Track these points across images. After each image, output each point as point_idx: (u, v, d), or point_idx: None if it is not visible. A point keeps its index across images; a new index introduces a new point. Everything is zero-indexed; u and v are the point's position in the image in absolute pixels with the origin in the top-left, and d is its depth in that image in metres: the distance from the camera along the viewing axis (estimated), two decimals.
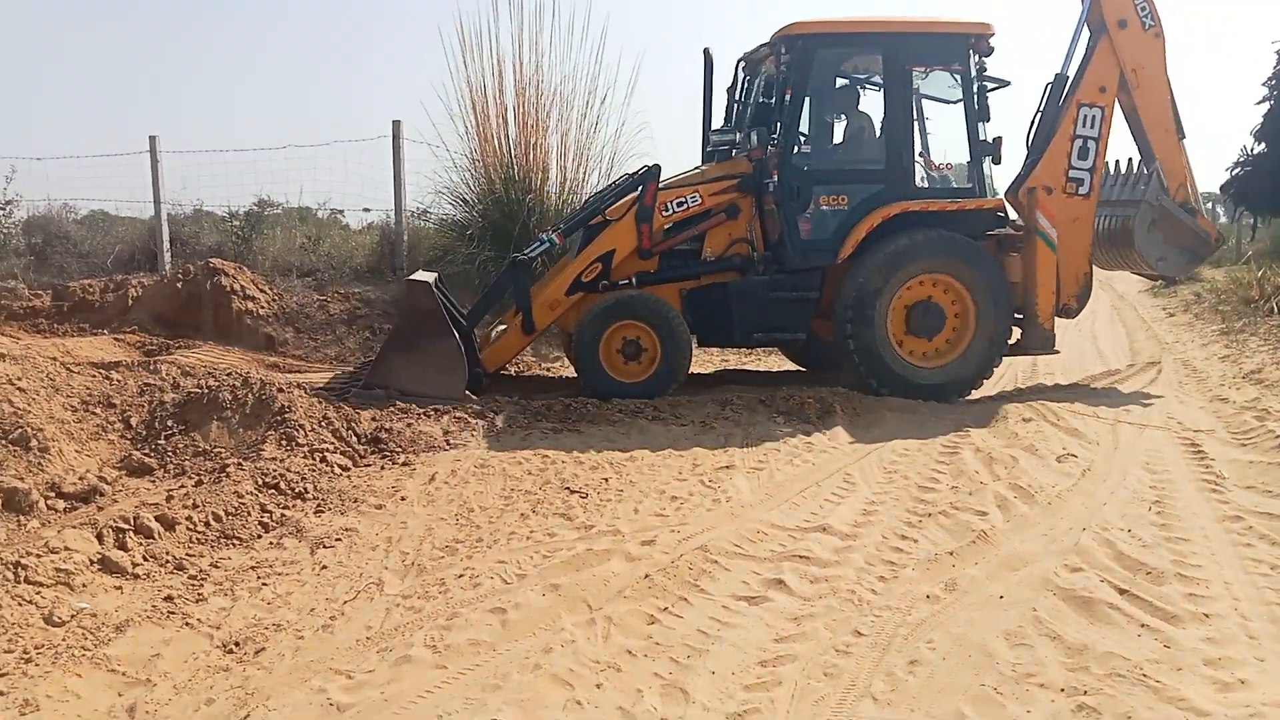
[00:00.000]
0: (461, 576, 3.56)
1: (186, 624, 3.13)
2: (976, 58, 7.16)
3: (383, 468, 5.03)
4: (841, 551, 3.85)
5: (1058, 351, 7.74)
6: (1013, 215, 7.50)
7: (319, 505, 4.35)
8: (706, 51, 7.91)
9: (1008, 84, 7.58)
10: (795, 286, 7.05)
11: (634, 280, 7.08)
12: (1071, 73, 7.40)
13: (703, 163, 7.86)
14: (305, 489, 4.47)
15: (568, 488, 4.67)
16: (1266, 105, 18.61)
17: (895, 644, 3.03)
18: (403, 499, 4.51)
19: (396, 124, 10.23)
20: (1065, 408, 6.55)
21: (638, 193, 7.11)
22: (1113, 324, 12.34)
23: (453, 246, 9.95)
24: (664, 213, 7.08)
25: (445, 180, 10.31)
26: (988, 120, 7.26)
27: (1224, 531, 4.04)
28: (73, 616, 3.08)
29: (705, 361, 9.18)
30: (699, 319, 7.07)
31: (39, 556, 3.34)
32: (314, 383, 6.50)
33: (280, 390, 5.45)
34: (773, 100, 7.19)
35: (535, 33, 9.93)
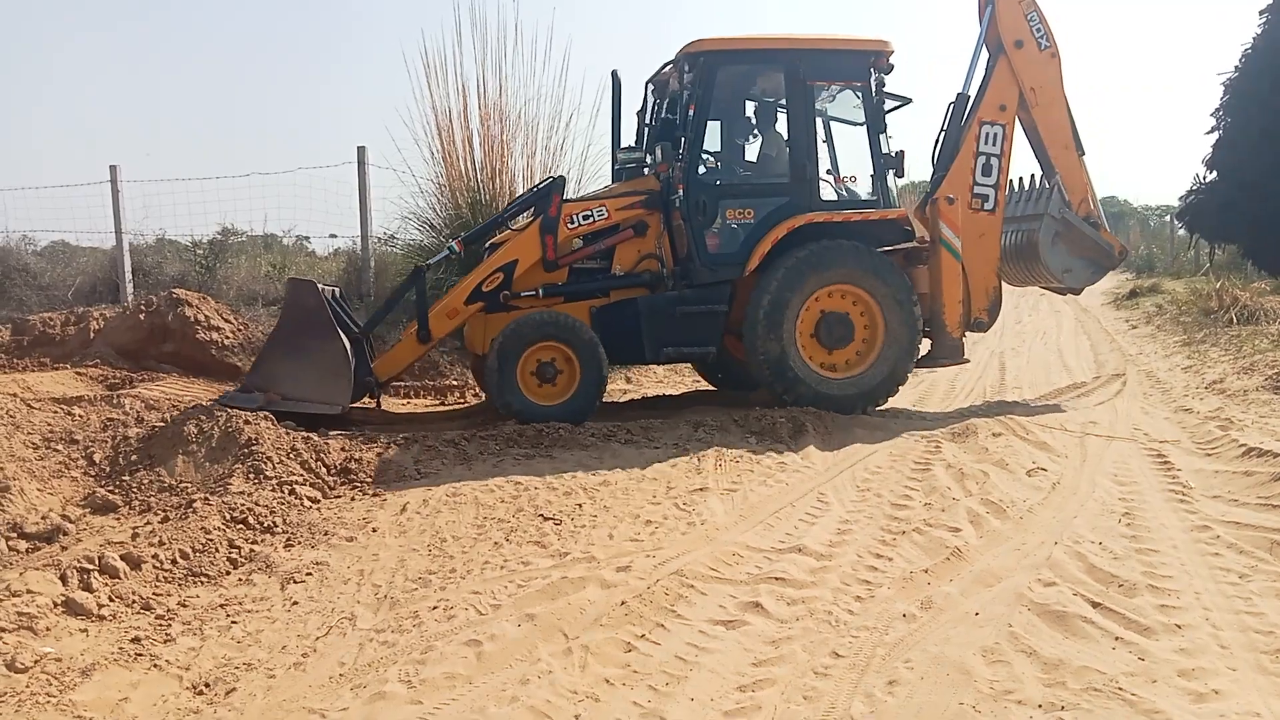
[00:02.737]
0: (435, 608, 3.52)
1: (155, 665, 3.06)
2: (876, 74, 7.31)
3: (353, 499, 4.98)
4: (817, 572, 3.85)
5: (967, 360, 7.92)
6: (923, 232, 7.64)
7: (289, 539, 4.29)
8: (615, 73, 8.02)
9: (909, 101, 7.76)
10: (704, 300, 7.06)
11: (540, 292, 7.03)
12: (973, 92, 7.65)
13: (613, 182, 7.89)
14: (274, 523, 4.40)
15: (541, 515, 4.64)
16: (1216, 135, 18.99)
17: (873, 665, 3.03)
18: (374, 530, 4.45)
19: (361, 149, 10.21)
20: (1034, 421, 6.62)
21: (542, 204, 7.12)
22: (1077, 337, 12.52)
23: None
24: (569, 225, 7.05)
25: (411, 205, 10.30)
26: (885, 133, 7.39)
27: (1193, 542, 4.09)
28: (36, 662, 3.00)
29: (677, 382, 9.20)
30: (609, 336, 7.01)
31: (0, 601, 3.26)
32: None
33: (246, 422, 5.38)
34: (676, 116, 7.25)
35: (499, 57, 9.99)
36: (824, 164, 7.53)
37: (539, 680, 2.93)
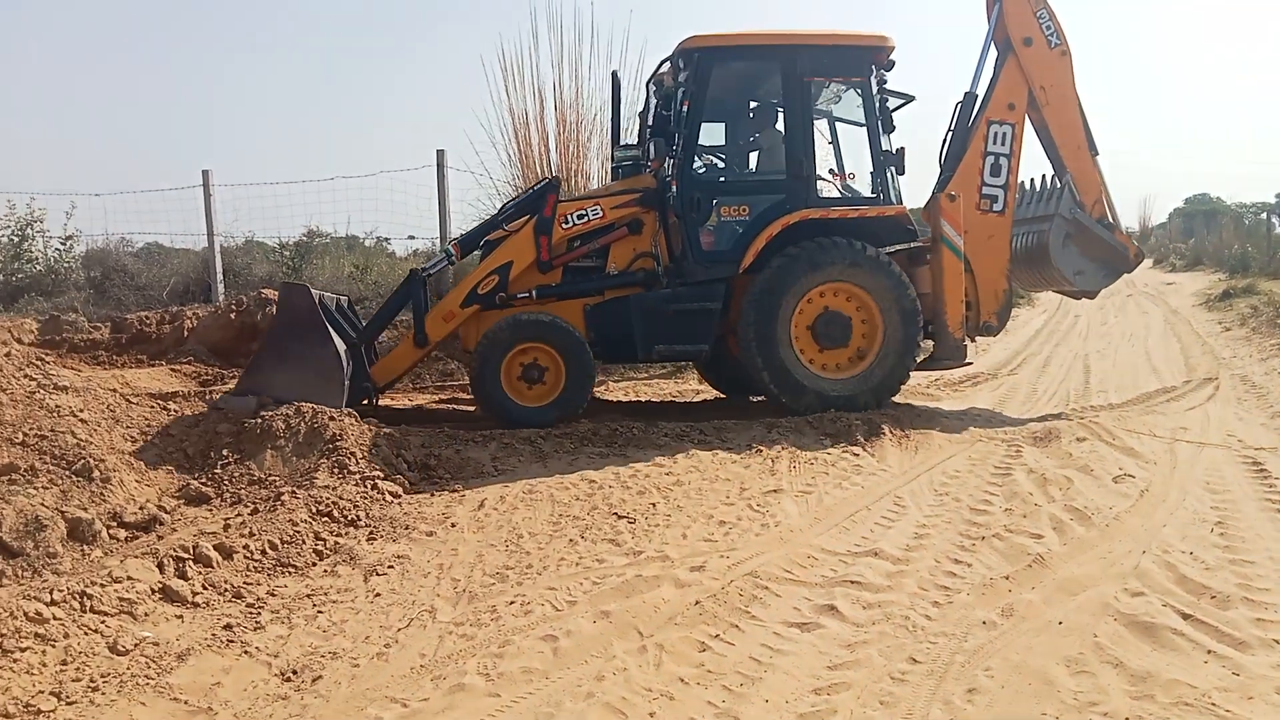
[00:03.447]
0: (513, 603, 3.58)
1: (245, 652, 3.17)
2: (876, 71, 7.14)
3: (433, 494, 5.09)
4: (894, 576, 3.80)
5: (970, 363, 7.70)
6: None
7: (371, 533, 4.41)
8: (615, 74, 8.01)
9: (912, 99, 7.57)
10: (697, 298, 6.95)
11: (534, 294, 6.97)
12: (981, 91, 7.46)
13: (612, 180, 7.82)
14: (358, 516, 4.53)
15: (615, 513, 4.67)
16: None
17: (952, 671, 2.98)
18: (453, 525, 4.55)
19: (440, 153, 10.41)
20: (1121, 426, 6.43)
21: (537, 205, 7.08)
22: (1166, 339, 12.10)
23: None
24: (564, 225, 7.00)
25: (489, 208, 10.47)
26: (891, 131, 7.24)
27: None
28: (137, 645, 3.15)
29: None
30: (602, 335, 6.96)
31: (103, 586, 3.42)
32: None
33: (332, 418, 5.54)
34: (671, 113, 7.15)
35: (575, 59, 10.10)
36: (830, 163, 7.43)
37: (614, 677, 2.96)
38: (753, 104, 7.80)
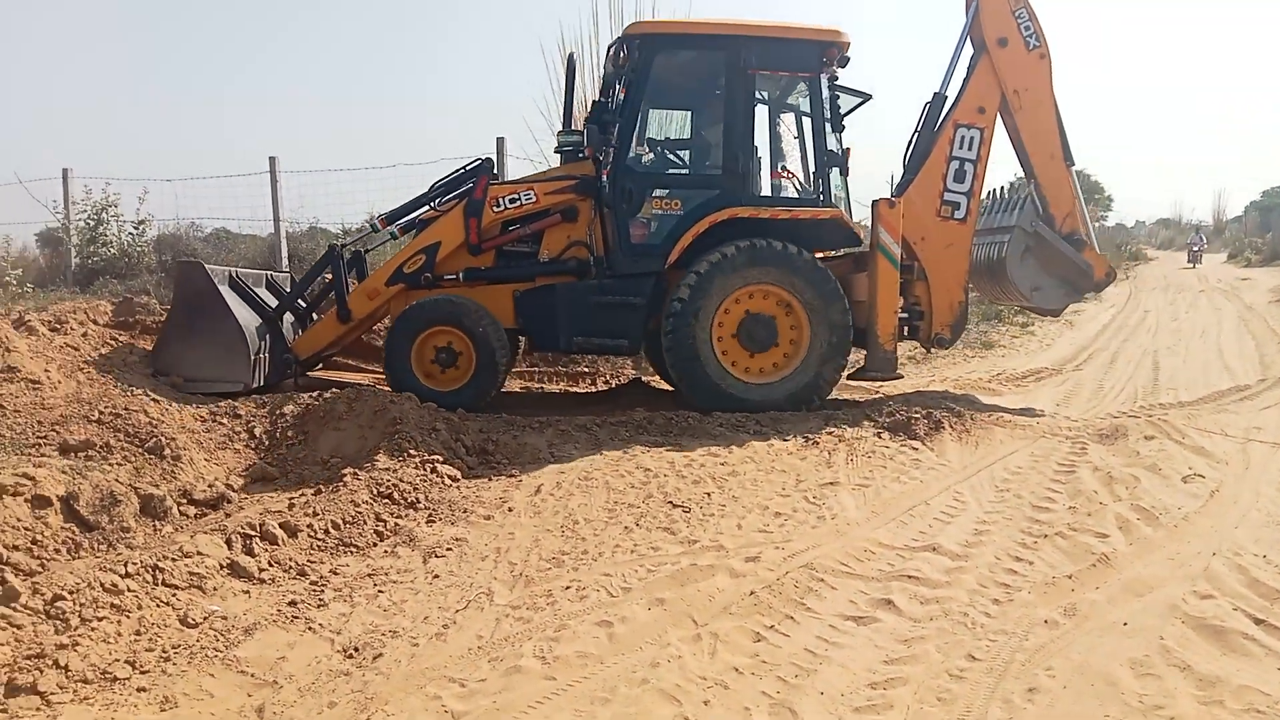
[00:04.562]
0: (568, 588, 3.61)
1: (309, 628, 3.25)
2: (829, 67, 6.89)
3: (490, 479, 5.15)
4: (952, 572, 3.75)
5: (900, 376, 7.40)
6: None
7: (430, 515, 4.48)
8: (570, 56, 7.81)
9: (869, 98, 7.28)
10: (622, 292, 6.76)
11: (461, 276, 6.87)
12: (952, 92, 7.14)
13: (559, 165, 7.67)
14: (417, 499, 4.60)
15: (670, 501, 4.68)
16: None
17: (1012, 670, 2.94)
18: (510, 510, 4.60)
19: (500, 140, 10.49)
20: (1191, 425, 6.25)
21: (469, 186, 6.99)
22: (1240, 336, 11.72)
23: None
24: (495, 208, 6.88)
25: None
26: (840, 130, 7.00)
27: None
28: (205, 618, 3.24)
29: None
30: (531, 321, 6.86)
31: (174, 560, 3.53)
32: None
33: (392, 402, 5.63)
34: (609, 99, 6.96)
35: None
36: (791, 160, 7.23)
37: (669, 664, 2.97)
38: (717, 93, 7.68)
